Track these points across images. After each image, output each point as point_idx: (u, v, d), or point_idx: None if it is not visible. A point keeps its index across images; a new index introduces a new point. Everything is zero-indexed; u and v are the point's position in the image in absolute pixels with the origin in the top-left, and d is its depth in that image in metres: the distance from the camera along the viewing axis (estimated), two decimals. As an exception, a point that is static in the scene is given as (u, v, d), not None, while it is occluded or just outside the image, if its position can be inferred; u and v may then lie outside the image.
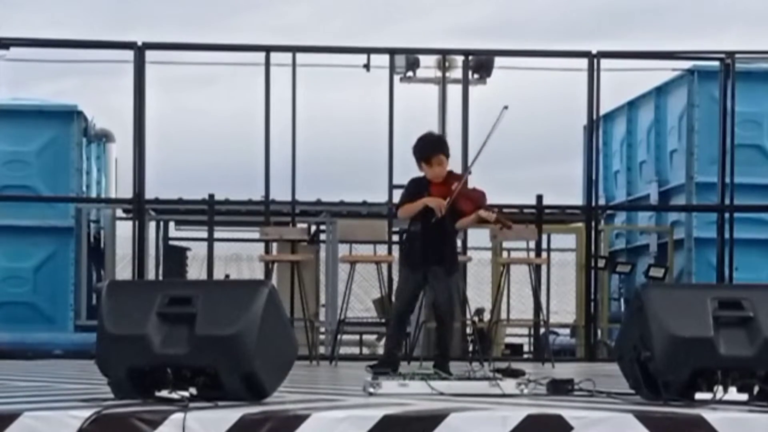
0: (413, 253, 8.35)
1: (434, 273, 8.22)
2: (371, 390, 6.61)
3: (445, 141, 8.63)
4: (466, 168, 8.44)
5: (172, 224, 16.90)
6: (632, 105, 15.68)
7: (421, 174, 8.41)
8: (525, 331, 18.10)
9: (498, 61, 16.55)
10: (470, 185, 8.38)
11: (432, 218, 8.19)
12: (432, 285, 8.31)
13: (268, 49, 12.30)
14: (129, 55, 12.22)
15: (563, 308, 20.05)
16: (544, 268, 15.12)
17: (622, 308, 15.60)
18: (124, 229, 14.57)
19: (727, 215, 12.52)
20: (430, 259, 8.26)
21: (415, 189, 8.40)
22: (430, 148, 8.38)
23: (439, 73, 18.21)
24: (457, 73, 16.50)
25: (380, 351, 17.14)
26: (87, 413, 5.49)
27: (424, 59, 18.34)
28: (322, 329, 13.90)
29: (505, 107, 8.18)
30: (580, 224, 14.62)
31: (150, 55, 12.25)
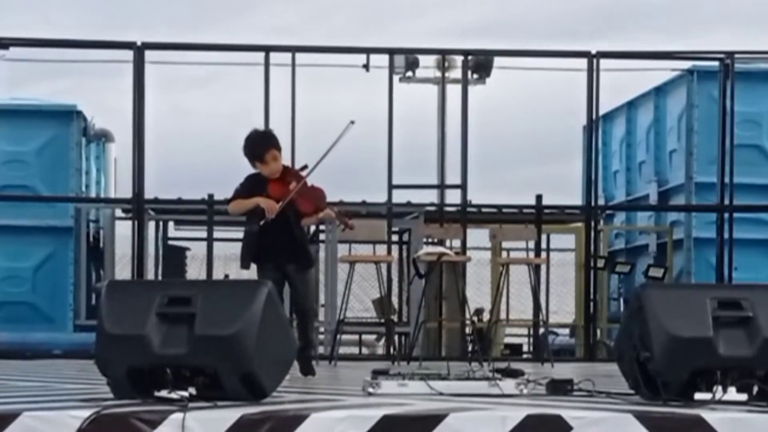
0: (249, 251, 8.61)
1: (290, 270, 8.56)
2: (370, 390, 6.61)
3: (273, 135, 8.74)
4: (304, 166, 8.62)
5: (171, 224, 16.90)
6: (631, 105, 15.68)
7: (255, 171, 8.60)
8: (524, 331, 18.11)
9: (497, 61, 16.54)
10: (309, 184, 8.59)
11: (264, 219, 8.42)
12: (291, 282, 8.65)
13: (267, 49, 12.30)
14: (127, 54, 12.22)
15: (562, 308, 20.07)
16: (543, 268, 15.13)
17: (622, 308, 15.60)
18: (124, 229, 14.58)
19: (726, 215, 12.52)
20: (282, 257, 8.55)
21: (252, 184, 8.60)
22: (260, 144, 8.56)
23: (438, 74, 18.21)
24: (456, 73, 16.50)
25: (380, 351, 17.17)
26: (86, 413, 5.48)
27: (423, 59, 18.33)
28: (322, 329, 13.90)
29: (351, 122, 8.51)
30: (579, 224, 14.62)
31: (149, 55, 12.25)
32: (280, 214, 8.46)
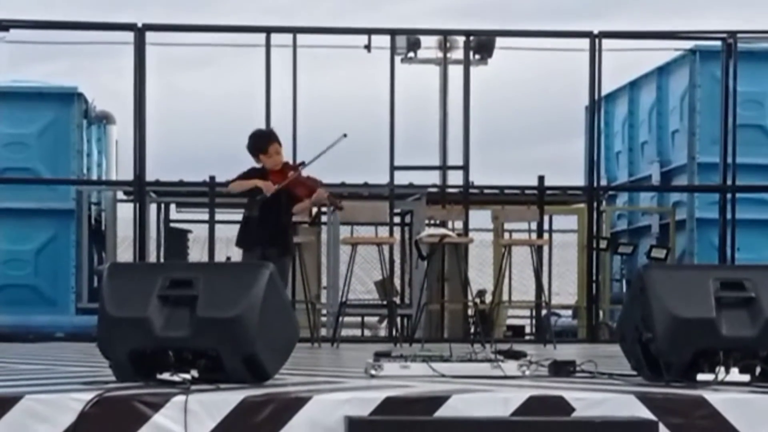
0: (248, 235, 9.37)
1: (271, 253, 9.07)
2: (373, 372, 6.61)
3: (275, 132, 9.75)
4: (302, 163, 9.48)
5: (173, 206, 16.88)
6: (634, 85, 15.65)
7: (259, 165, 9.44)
8: (527, 312, 18.09)
9: (499, 41, 16.51)
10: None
11: (263, 200, 9.14)
12: None
13: (268, 30, 12.27)
14: (127, 36, 12.17)
15: (565, 289, 20.07)
16: (545, 249, 15.11)
17: (624, 289, 15.60)
18: (125, 212, 14.56)
19: (729, 195, 12.51)
20: (264, 240, 9.24)
21: (254, 175, 9.43)
22: (266, 139, 9.56)
23: (440, 54, 18.14)
24: (458, 53, 16.45)
25: (382, 333, 17.18)
26: (89, 396, 5.48)
27: (425, 40, 18.26)
28: (324, 311, 13.90)
29: (344, 135, 9.19)
30: (581, 205, 14.62)
31: (149, 36, 12.21)
32: (275, 201, 9.15)
